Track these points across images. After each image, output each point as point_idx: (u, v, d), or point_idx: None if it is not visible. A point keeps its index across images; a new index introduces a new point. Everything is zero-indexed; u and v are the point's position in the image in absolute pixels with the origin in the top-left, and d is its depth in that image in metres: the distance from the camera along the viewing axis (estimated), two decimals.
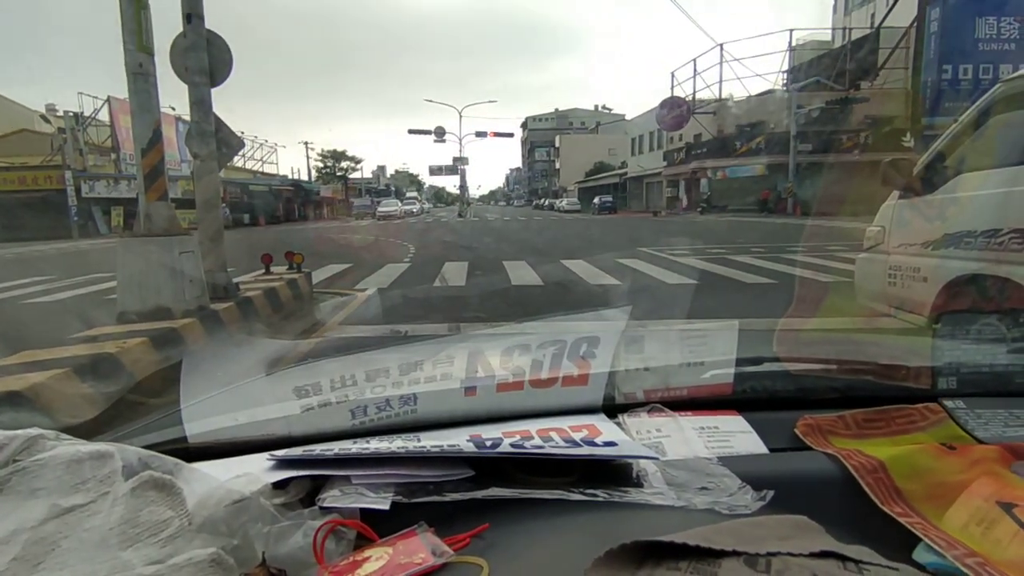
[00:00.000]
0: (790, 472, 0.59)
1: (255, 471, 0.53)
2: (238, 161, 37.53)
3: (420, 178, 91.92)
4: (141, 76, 4.27)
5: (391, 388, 0.66)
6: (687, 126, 28.63)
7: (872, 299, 3.68)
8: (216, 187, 5.23)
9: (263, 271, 6.72)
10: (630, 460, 0.59)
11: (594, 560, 0.40)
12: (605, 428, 0.64)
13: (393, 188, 61.68)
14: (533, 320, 0.86)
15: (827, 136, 22.32)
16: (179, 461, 0.49)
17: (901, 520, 0.51)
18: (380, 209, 35.71)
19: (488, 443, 0.58)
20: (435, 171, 51.11)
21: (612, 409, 0.71)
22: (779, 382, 0.79)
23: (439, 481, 0.54)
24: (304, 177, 48.42)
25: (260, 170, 40.98)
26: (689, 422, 0.68)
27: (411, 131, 41.84)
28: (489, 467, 0.56)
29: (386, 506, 0.50)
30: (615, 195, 40.57)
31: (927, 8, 19.35)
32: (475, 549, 0.46)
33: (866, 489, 0.55)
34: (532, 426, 0.63)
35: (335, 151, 57.80)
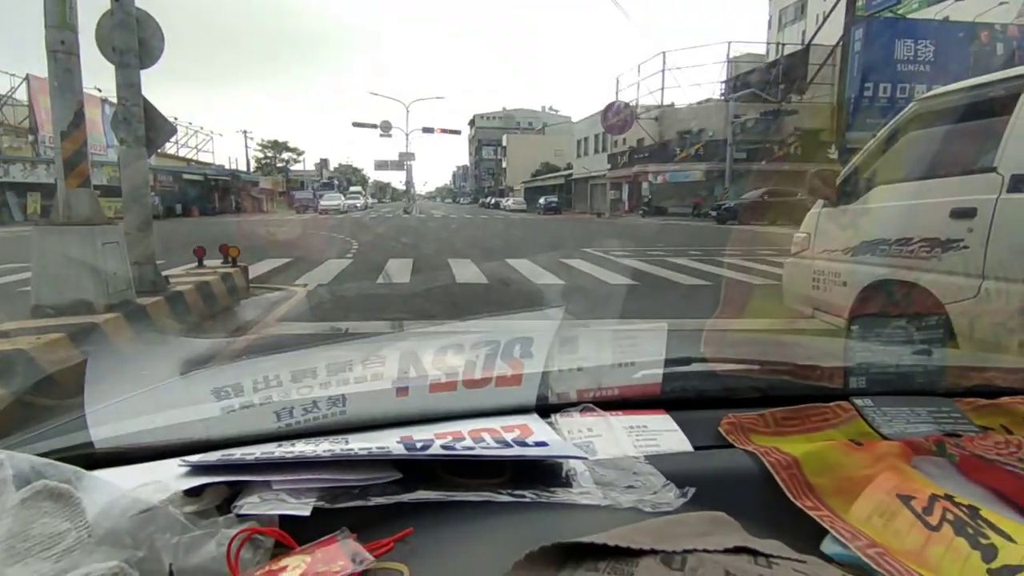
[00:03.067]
0: (713, 469, 0.62)
1: (166, 478, 0.50)
2: (170, 148, 35.69)
3: (365, 173, 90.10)
4: (63, 55, 3.99)
5: (318, 389, 0.64)
6: (630, 130, 29.30)
7: (798, 302, 3.88)
8: (144, 175, 4.95)
9: (195, 264, 6.42)
10: (560, 460, 0.59)
11: (514, 563, 0.40)
12: (537, 428, 0.64)
13: (336, 182, 60.15)
14: (473, 319, 0.86)
15: (760, 145, 23.37)
16: (79, 469, 0.46)
17: (811, 513, 0.54)
18: (322, 203, 34.73)
19: (419, 445, 0.58)
20: (381, 166, 50.15)
21: (545, 409, 0.71)
22: (705, 382, 0.82)
23: (365, 485, 0.53)
24: (242, 168, 46.52)
25: (194, 158, 39.09)
26: (619, 421, 0.70)
27: (355, 124, 41.02)
28: (418, 469, 0.56)
29: (307, 512, 0.48)
30: (560, 196, 41.04)
31: (852, 29, 20.57)
32: (398, 554, 0.46)
33: (781, 484, 0.57)
34: (464, 427, 0.63)
35: (275, 141, 55.91)
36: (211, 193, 34.69)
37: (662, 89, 28.72)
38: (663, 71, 29.47)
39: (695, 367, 0.83)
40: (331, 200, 35.12)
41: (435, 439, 0.59)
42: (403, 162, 42.90)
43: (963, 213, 2.69)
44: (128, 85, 4.71)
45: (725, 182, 22.76)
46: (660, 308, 5.76)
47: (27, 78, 22.55)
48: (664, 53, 28.03)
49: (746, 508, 0.54)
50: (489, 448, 0.58)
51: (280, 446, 0.57)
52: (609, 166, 33.51)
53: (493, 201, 52.44)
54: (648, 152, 28.70)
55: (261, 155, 54.77)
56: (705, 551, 0.42)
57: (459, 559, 0.45)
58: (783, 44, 27.22)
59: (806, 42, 24.58)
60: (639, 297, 6.24)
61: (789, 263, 3.96)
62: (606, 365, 0.78)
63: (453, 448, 0.57)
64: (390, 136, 41.35)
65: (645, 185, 28.42)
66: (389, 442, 0.58)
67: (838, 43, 21.69)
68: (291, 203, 42.56)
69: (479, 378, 0.68)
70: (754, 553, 0.43)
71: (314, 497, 0.50)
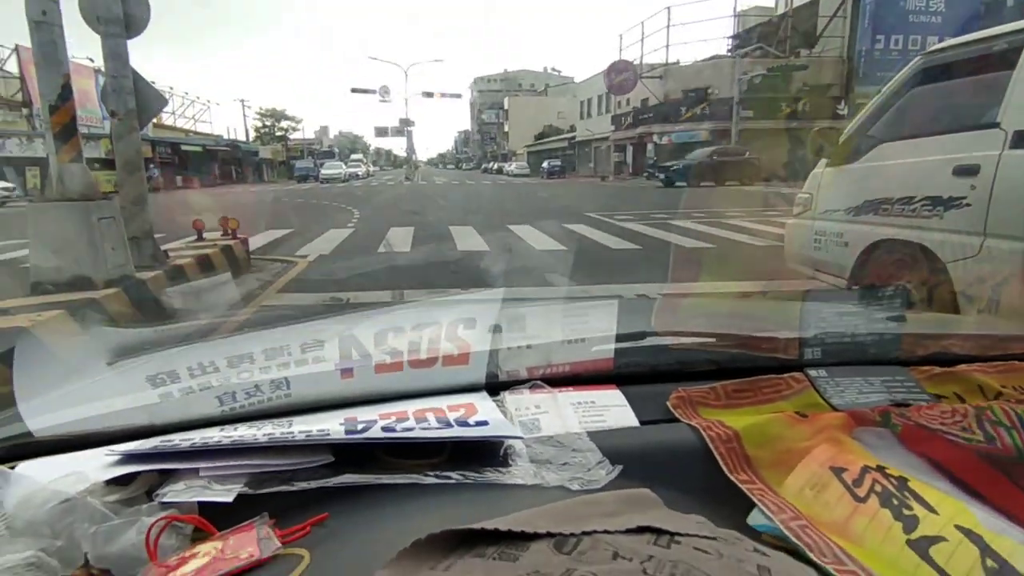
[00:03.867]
0: (655, 444, 0.61)
1: (93, 467, 0.51)
2: (168, 119, 35.32)
3: (365, 140, 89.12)
4: (45, 25, 3.91)
5: (259, 373, 0.64)
6: (635, 90, 28.68)
7: (799, 263, 3.85)
8: (137, 147, 4.90)
9: (195, 238, 6.42)
10: (507, 439, 0.59)
11: (399, 552, 0.40)
12: (483, 407, 0.64)
13: (337, 150, 59.56)
14: (453, 295, 0.85)
15: (768, 103, 22.86)
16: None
17: (743, 487, 0.54)
18: (323, 172, 34.44)
19: (360, 426, 0.58)
20: (381, 132, 49.53)
21: (496, 387, 0.71)
22: (658, 356, 0.81)
23: (294, 469, 0.53)
24: (241, 137, 46.11)
25: (193, 129, 38.72)
26: (567, 397, 0.69)
27: (354, 90, 40.42)
28: (355, 451, 0.56)
29: (229, 499, 0.48)
30: (564, 159, 40.52)
31: None
32: (315, 538, 0.46)
33: (718, 458, 0.57)
34: (411, 407, 0.63)
35: (274, 110, 55.21)
36: (211, 164, 34.50)
37: (667, 47, 27.96)
38: (667, 27, 28.65)
39: (648, 341, 0.82)
40: (332, 169, 34.81)
41: (378, 420, 0.59)
42: (403, 128, 42.36)
43: (966, 170, 2.64)
44: (115, 56, 4.62)
45: (731, 141, 22.36)
46: (663, 272, 5.75)
47: (16, 49, 22.03)
48: (669, 8, 27.19)
49: (684, 482, 0.55)
50: (429, 429, 0.58)
51: (223, 430, 0.57)
52: (613, 127, 32.94)
53: (496, 166, 51.89)
54: (653, 112, 28.13)
55: (260, 124, 54.21)
56: (606, 532, 0.43)
57: (365, 544, 0.45)
58: None
59: None
60: (643, 261, 6.21)
61: (791, 224, 3.91)
62: (556, 342, 0.78)
63: (393, 430, 0.57)
64: (389, 101, 40.77)
65: (650, 146, 27.98)
66: (332, 424, 0.58)
67: None
68: (291, 173, 42.27)
69: (425, 358, 0.67)
70: (659, 532, 0.43)
71: (240, 483, 0.50)
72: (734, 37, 27.28)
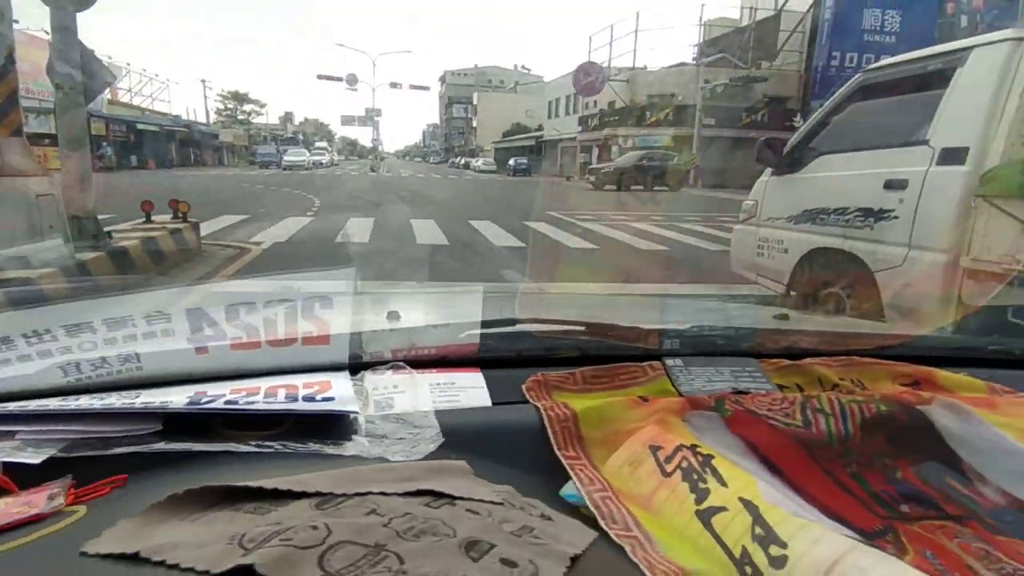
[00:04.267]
0: (499, 422, 0.65)
1: None
2: (124, 96, 33.90)
3: (331, 128, 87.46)
4: None
5: (103, 344, 0.64)
6: (602, 92, 28.96)
7: (744, 268, 3.98)
8: (82, 123, 4.71)
9: (143, 220, 6.21)
10: (343, 413, 0.61)
11: (152, 503, 0.43)
12: (338, 385, 0.66)
13: (301, 137, 58.22)
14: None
15: (729, 111, 23.42)
16: None
17: (565, 462, 0.58)
18: (286, 158, 33.64)
19: (205, 400, 0.59)
20: (347, 121, 48.72)
21: (358, 368, 0.73)
22: (523, 342, 0.84)
23: (117, 436, 0.54)
24: (201, 119, 44.57)
25: (150, 108, 37.26)
26: (427, 379, 0.72)
27: (320, 76, 39.61)
28: (192, 422, 0.58)
29: (35, 460, 0.51)
30: (531, 158, 40.57)
31: None
32: (112, 499, 0.49)
33: (550, 436, 0.61)
34: (266, 383, 0.64)
35: (237, 92, 53.59)
36: (168, 145, 33.27)
37: (634, 51, 28.40)
38: (636, 32, 29.06)
39: (515, 328, 0.86)
40: (295, 156, 34.05)
41: (227, 395, 0.61)
42: (370, 118, 41.72)
43: (895, 184, 2.78)
44: (62, 28, 4.43)
45: (693, 148, 22.82)
46: (617, 273, 5.85)
47: None
48: (638, 13, 27.60)
49: (517, 457, 0.59)
50: (273, 403, 0.60)
51: (64, 400, 0.58)
52: (580, 128, 33.18)
53: (463, 161, 51.60)
54: (619, 115, 28.47)
55: (221, 107, 52.56)
56: (382, 494, 0.46)
57: (142, 505, 0.47)
58: (756, 8, 27.02)
59: (778, 7, 24.44)
60: (598, 261, 6.31)
61: (737, 230, 4.04)
62: (423, 326, 0.81)
63: (235, 403, 0.59)
64: (356, 90, 40.12)
65: (615, 149, 28.29)
66: (178, 397, 0.59)
67: (809, 9, 21.66)
68: (253, 158, 41.13)
69: (284, 338, 0.69)
70: (440, 495, 0.47)
71: (55, 448, 0.53)
72: (699, 46, 27.85)
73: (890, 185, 2.80)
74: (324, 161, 38.14)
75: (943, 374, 0.76)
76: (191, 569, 0.38)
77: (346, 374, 0.70)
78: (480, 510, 0.46)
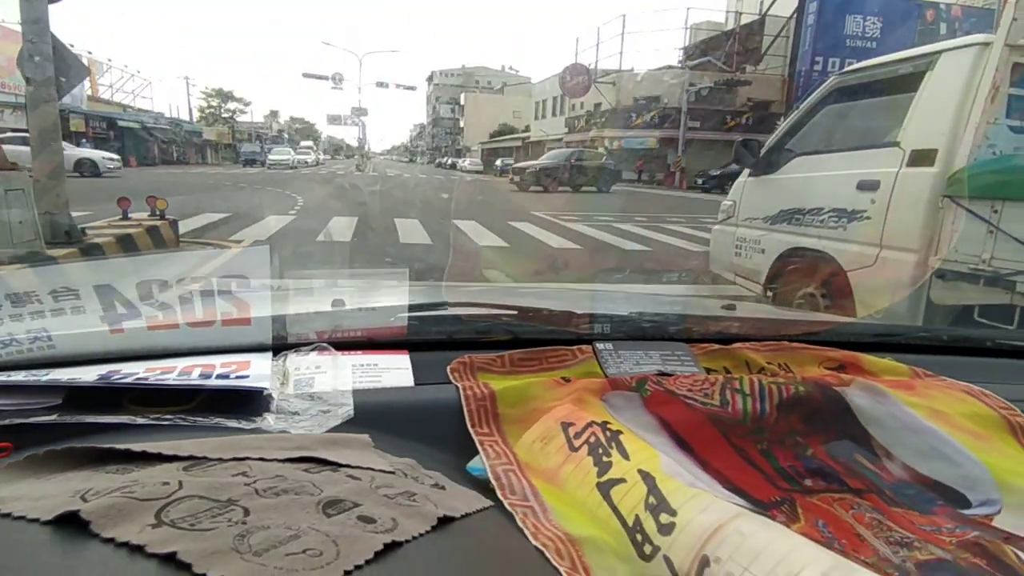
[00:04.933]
0: (419, 402, 0.65)
1: None
2: (105, 92, 33.44)
3: (317, 127, 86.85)
4: None
5: (9, 321, 0.62)
6: (588, 94, 29.09)
7: (722, 268, 4.01)
8: (54, 118, 4.62)
9: (119, 216, 6.11)
10: (253, 389, 0.61)
11: (26, 456, 0.42)
12: (257, 364, 0.65)
13: (287, 136, 57.80)
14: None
15: (714, 115, 23.65)
16: None
17: (476, 438, 0.59)
18: (271, 157, 33.33)
19: (115, 377, 0.59)
20: (334, 120, 48.32)
21: (282, 349, 0.72)
22: (454, 325, 0.84)
23: (11, 410, 0.54)
24: (184, 117, 44.02)
25: (132, 105, 36.74)
26: (351, 360, 0.71)
27: (306, 75, 39.31)
28: (98, 398, 0.57)
29: None
30: (517, 158, 40.64)
31: (807, 1, 20.80)
32: None
33: (466, 414, 0.61)
34: (182, 363, 0.63)
35: (221, 90, 53.03)
36: (149, 142, 32.78)
37: (620, 53, 28.56)
38: (622, 34, 29.23)
39: (446, 311, 0.86)
40: (280, 155, 33.74)
41: (141, 373, 0.60)
42: (356, 117, 41.52)
43: (868, 185, 2.82)
44: (34, 20, 4.35)
45: (678, 150, 23.01)
46: (610, 273, 5.87)
47: None
48: (624, 16, 27.75)
49: (430, 434, 0.59)
50: (185, 381, 0.59)
51: None
52: (566, 130, 33.30)
53: (450, 161, 51.52)
54: (605, 117, 28.61)
55: (205, 104, 52.00)
56: (261, 459, 0.45)
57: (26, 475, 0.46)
58: (741, 13, 27.31)
59: (763, 12, 24.71)
60: (583, 261, 6.32)
61: (716, 230, 4.07)
62: (350, 308, 0.80)
63: (145, 380, 0.59)
64: (341, 89, 39.87)
65: (601, 150, 28.43)
66: (89, 375, 0.59)
67: (792, 15, 21.93)
68: (237, 156, 40.69)
69: (202, 318, 0.68)
70: (324, 463, 0.46)
71: None
72: (685, 49, 28.07)
73: (863, 186, 2.83)
74: (309, 160, 37.85)
75: (868, 358, 0.77)
76: (23, 518, 0.37)
77: (268, 355, 0.69)
78: (363, 476, 0.45)
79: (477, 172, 38.92)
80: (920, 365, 0.77)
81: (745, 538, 0.40)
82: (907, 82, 2.80)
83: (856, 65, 3.25)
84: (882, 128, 2.92)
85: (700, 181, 20.22)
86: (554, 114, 37.49)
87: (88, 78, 31.59)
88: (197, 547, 0.34)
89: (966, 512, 0.53)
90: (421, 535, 0.40)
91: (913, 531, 0.48)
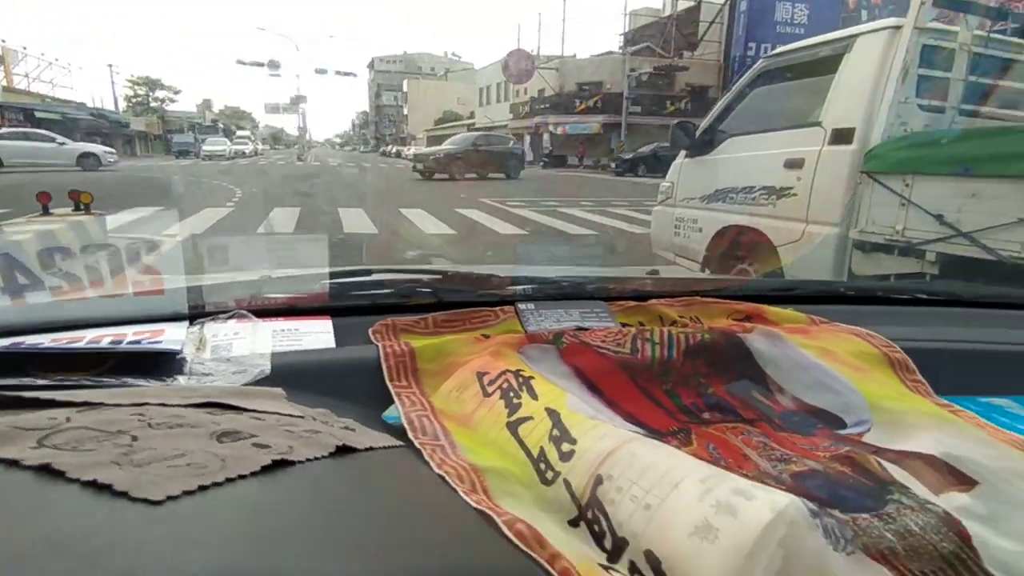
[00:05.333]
0: (338, 361, 0.66)
1: None
2: (20, 82, 31.15)
3: (254, 116, 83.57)
4: None
5: None
6: (532, 80, 29.11)
7: (662, 248, 4.13)
8: None
9: (39, 212, 5.74)
10: (163, 351, 0.61)
11: None
12: (172, 332, 0.65)
13: (222, 126, 55.35)
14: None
15: (654, 100, 24.14)
16: None
17: (393, 390, 0.60)
18: (205, 148, 31.86)
19: (21, 347, 0.58)
20: (272, 109, 46.67)
21: (200, 317, 0.72)
22: (377, 290, 0.85)
23: None
24: (109, 106, 41.48)
25: (50, 95, 34.33)
26: (271, 326, 0.72)
27: (240, 62, 37.63)
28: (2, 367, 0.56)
29: None
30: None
31: None
32: None
33: (384, 370, 0.63)
34: (91, 333, 0.63)
35: (148, 78, 50.29)
36: (72, 134, 30.73)
37: (562, 39, 28.61)
38: (563, 19, 29.40)
39: (370, 277, 0.87)
40: (215, 145, 32.31)
41: (47, 343, 0.59)
42: (295, 105, 40.20)
43: (793, 163, 2.96)
44: None
45: (621, 135, 23.38)
46: (550, 259, 5.93)
47: None
48: (564, 1, 27.85)
49: (349, 393, 0.60)
50: (94, 347, 0.59)
51: None
52: (511, 116, 33.24)
53: (394, 150, 50.51)
54: (549, 103, 28.72)
55: (132, 93, 49.20)
56: (162, 404, 0.45)
57: None
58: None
59: None
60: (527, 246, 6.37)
61: (656, 211, 4.18)
62: (270, 275, 0.81)
63: (39, 345, 0.58)
64: (279, 76, 38.55)
65: (546, 136, 28.56)
66: None
67: (726, 1, 22.56)
68: (169, 148, 38.69)
69: (112, 287, 0.68)
70: (229, 408, 0.47)
71: None
72: (625, 35, 28.45)
73: (789, 164, 2.97)
74: (247, 151, 36.39)
75: (772, 309, 0.83)
76: None
77: (184, 323, 0.68)
78: (267, 418, 0.45)
79: None
80: (817, 314, 0.84)
81: (636, 458, 0.43)
82: (827, 64, 2.94)
83: (781, 48, 3.40)
84: (806, 109, 3.06)
85: (614, 165, 20.10)
86: (498, 100, 37.37)
87: (2, 67, 29.31)
88: (75, 461, 0.33)
89: (841, 432, 0.58)
90: (317, 459, 0.40)
91: (794, 450, 0.53)
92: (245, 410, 0.46)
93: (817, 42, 3.08)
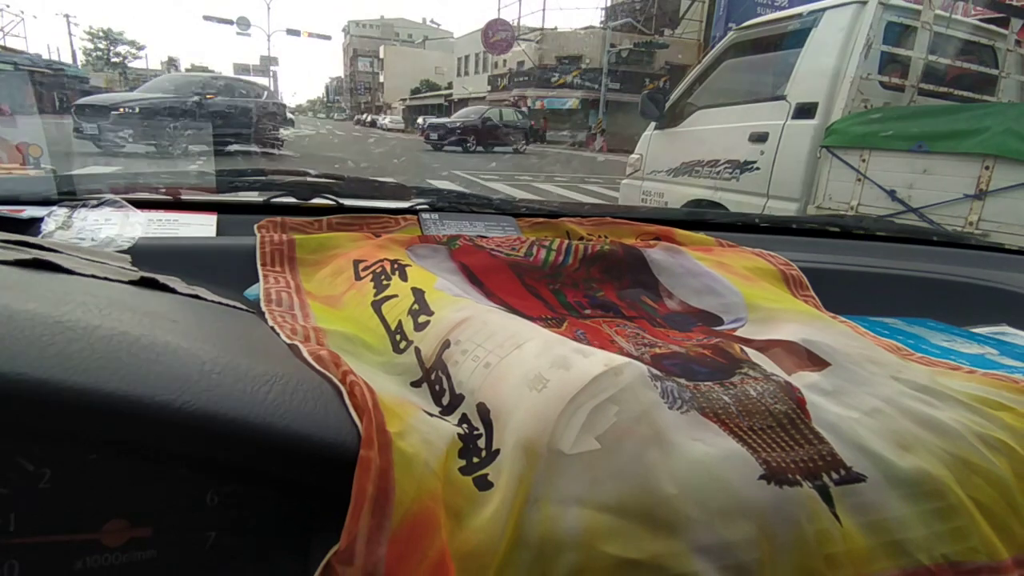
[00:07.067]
0: (214, 247, 0.64)
1: None
2: None
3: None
4: None
5: None
6: (512, 52, 28.65)
7: None
8: None
9: None
10: (26, 221, 0.59)
11: None
12: (35, 211, 0.63)
13: None
14: None
15: (633, 76, 24.00)
16: None
17: (261, 272, 0.59)
18: None
19: None
20: (241, 70, 44.97)
21: (71, 203, 0.69)
22: (271, 189, 0.83)
23: None
24: (67, 60, 39.51)
25: (1, 44, 32.50)
26: (149, 216, 0.69)
27: (206, 17, 36.12)
28: None
29: None
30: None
31: None
32: None
33: (257, 256, 0.61)
34: None
35: (109, 31, 47.98)
36: (23, 87, 29.34)
37: (543, 10, 28.17)
38: None
39: (268, 178, 0.85)
40: None
41: None
42: (266, 67, 38.89)
43: (758, 137, 2.98)
44: None
45: (599, 111, 23.24)
46: None
47: None
48: None
49: (217, 277, 0.58)
50: None
51: None
52: (489, 88, 32.73)
53: (369, 119, 49.42)
54: (528, 76, 28.34)
55: (91, 46, 46.93)
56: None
57: None
58: None
59: None
60: None
61: (624, 184, 4.18)
62: (155, 171, 0.78)
63: None
64: (249, 35, 37.01)
65: (525, 109, 28.24)
66: None
67: None
68: None
69: None
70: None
71: None
72: (606, 9, 28.11)
73: (754, 138, 2.99)
74: None
75: (681, 232, 0.83)
76: None
77: (54, 208, 0.65)
78: (119, 279, 0.44)
79: (399, 131, 37.70)
80: (728, 240, 0.84)
81: (486, 325, 0.42)
82: (796, 38, 2.95)
83: (752, 21, 3.39)
84: (773, 82, 3.07)
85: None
86: (477, 72, 36.74)
87: None
88: None
89: (717, 328, 0.59)
90: (119, 281, 0.40)
91: (665, 340, 0.53)
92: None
93: (787, 15, 3.08)
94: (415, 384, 0.42)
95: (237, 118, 10.26)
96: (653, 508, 0.31)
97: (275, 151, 11.06)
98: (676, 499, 0.32)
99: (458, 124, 17.21)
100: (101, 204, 0.68)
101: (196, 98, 9.99)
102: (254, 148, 10.79)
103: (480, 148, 16.58)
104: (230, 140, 9.62)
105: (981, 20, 3.35)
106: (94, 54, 46.47)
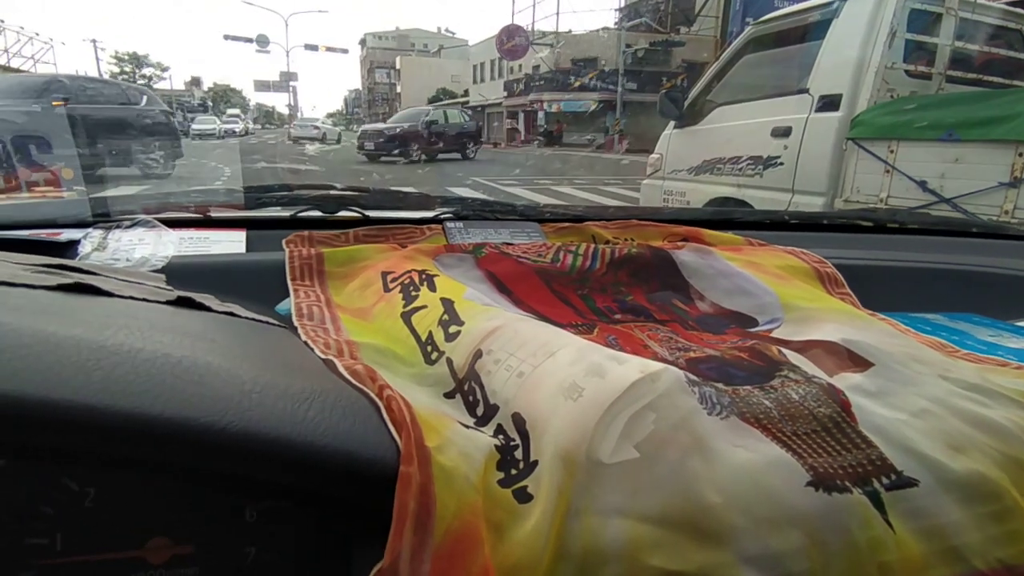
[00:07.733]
0: (244, 264, 0.65)
1: None
2: (0, 57, 30.57)
3: (244, 94, 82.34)
4: None
5: None
6: (526, 57, 28.71)
7: None
8: None
9: (17, 189, 5.66)
10: (64, 244, 0.61)
11: None
12: (71, 234, 0.65)
13: (211, 104, 54.58)
14: None
15: (650, 76, 23.86)
16: None
17: (292, 287, 0.59)
18: (194, 127, 31.36)
19: None
20: (262, 87, 45.89)
21: (107, 224, 0.71)
22: (298, 204, 0.83)
23: None
24: None
25: (32, 71, 33.70)
26: (181, 235, 0.71)
27: (227, 37, 37.00)
28: None
29: None
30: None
31: None
32: None
33: (287, 271, 0.61)
34: None
35: (134, 54, 49.45)
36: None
37: (557, 14, 28.18)
38: None
39: (294, 193, 0.85)
40: (205, 124, 31.81)
41: None
42: (285, 83, 39.63)
43: (781, 132, 2.93)
44: None
45: (616, 112, 23.14)
46: None
47: None
48: None
49: (249, 292, 0.58)
50: None
51: None
52: (506, 94, 32.85)
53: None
54: (544, 80, 28.36)
55: (117, 70, 48.36)
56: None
57: None
58: None
59: None
60: None
61: (645, 184, 4.15)
62: (185, 189, 0.79)
63: None
64: (268, 52, 37.82)
65: (541, 114, 28.26)
66: None
67: None
68: None
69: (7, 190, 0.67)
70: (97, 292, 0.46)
71: None
72: (621, 10, 28.02)
73: (776, 132, 2.94)
74: (237, 130, 35.88)
75: (709, 232, 0.81)
76: None
77: (89, 229, 0.67)
78: (145, 297, 0.45)
79: None
80: (758, 239, 0.82)
81: (518, 333, 0.42)
82: (817, 30, 2.90)
83: (771, 15, 3.34)
84: (794, 75, 3.02)
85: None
86: (493, 78, 36.90)
87: None
88: None
89: (752, 330, 0.57)
90: (156, 302, 0.40)
91: (699, 343, 0.51)
92: (103, 291, 0.45)
93: (807, 7, 3.03)
94: (448, 395, 0.42)
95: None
96: (697, 518, 0.31)
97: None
98: (720, 508, 0.31)
99: (398, 130, 15.03)
100: (134, 224, 0.70)
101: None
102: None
103: (424, 156, 14.68)
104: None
105: (1008, 3, 3.26)
106: (120, 77, 47.86)
